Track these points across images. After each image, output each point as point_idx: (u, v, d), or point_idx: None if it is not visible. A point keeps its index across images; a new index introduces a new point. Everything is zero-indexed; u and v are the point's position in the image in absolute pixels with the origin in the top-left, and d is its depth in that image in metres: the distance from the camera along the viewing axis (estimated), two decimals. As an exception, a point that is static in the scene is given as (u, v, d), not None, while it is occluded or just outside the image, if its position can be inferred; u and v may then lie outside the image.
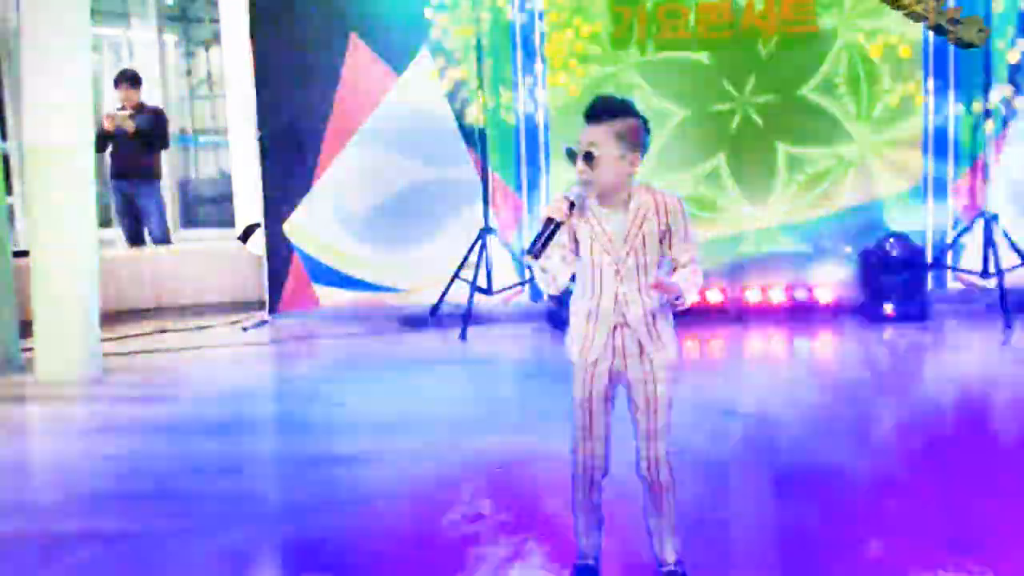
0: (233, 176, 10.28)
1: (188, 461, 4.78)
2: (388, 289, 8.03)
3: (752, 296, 7.42)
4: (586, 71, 7.69)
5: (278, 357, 7.13)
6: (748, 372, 6.34)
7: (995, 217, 7.17)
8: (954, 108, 7.50)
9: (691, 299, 2.97)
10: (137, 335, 7.61)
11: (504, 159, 7.85)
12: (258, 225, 8.34)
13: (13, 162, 9.43)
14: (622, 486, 3.23)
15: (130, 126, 8.77)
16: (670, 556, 3.13)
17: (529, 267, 7.66)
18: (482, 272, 7.49)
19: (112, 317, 7.59)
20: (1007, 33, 7.36)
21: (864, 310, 7.31)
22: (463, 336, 7.14)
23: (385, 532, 3.78)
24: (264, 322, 7.94)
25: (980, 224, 7.24)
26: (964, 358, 6.53)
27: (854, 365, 6.44)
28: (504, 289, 7.77)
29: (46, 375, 6.32)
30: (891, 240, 7.27)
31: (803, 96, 7.54)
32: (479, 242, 7.45)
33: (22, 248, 7.72)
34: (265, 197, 8.10)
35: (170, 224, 9.65)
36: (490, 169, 7.73)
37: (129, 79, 9.05)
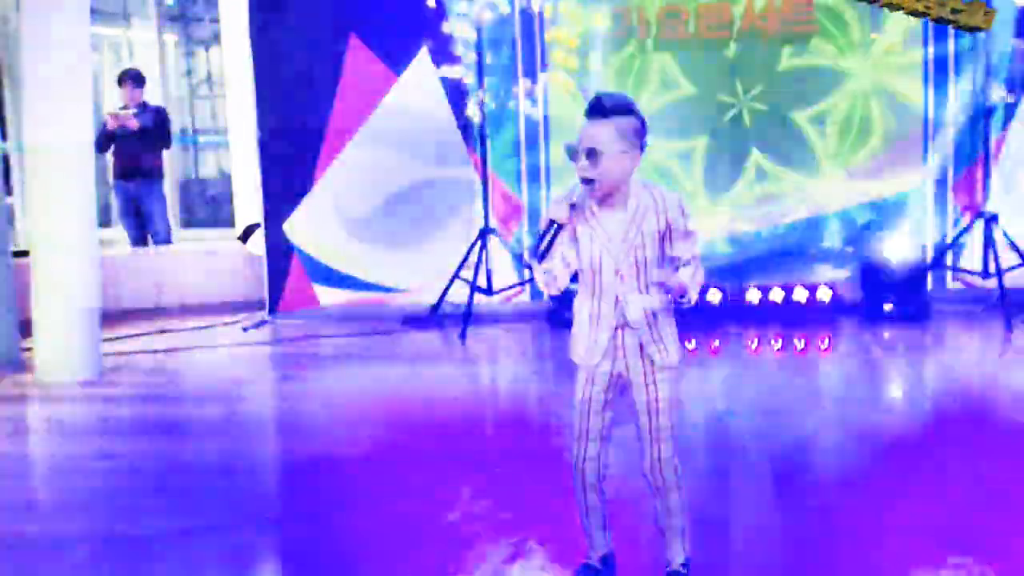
0: (233, 176, 10.28)
1: (188, 461, 4.78)
2: (388, 289, 8.03)
3: (752, 296, 7.42)
4: (587, 68, 7.71)
5: (278, 357, 7.13)
6: (748, 372, 6.34)
7: (995, 217, 7.18)
8: (954, 107, 7.51)
9: (695, 297, 2.98)
10: (137, 335, 7.61)
11: (504, 158, 7.86)
12: (258, 225, 8.34)
13: (13, 162, 9.44)
14: (630, 486, 3.23)
15: (134, 124, 8.77)
16: (677, 557, 3.13)
17: (529, 267, 7.68)
18: (482, 272, 7.49)
19: (112, 317, 7.58)
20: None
21: (864, 310, 7.30)
22: (463, 336, 7.14)
23: (385, 532, 3.78)
24: (264, 322, 7.93)
25: (980, 224, 7.25)
26: (964, 358, 6.54)
27: (854, 365, 6.44)
28: (504, 289, 7.77)
29: (46, 375, 6.31)
30: (891, 240, 7.26)
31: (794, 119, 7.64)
32: (479, 242, 7.45)
33: (22, 248, 7.72)
34: (265, 197, 8.10)
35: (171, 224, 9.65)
36: (490, 169, 7.73)
37: (133, 78, 9.05)
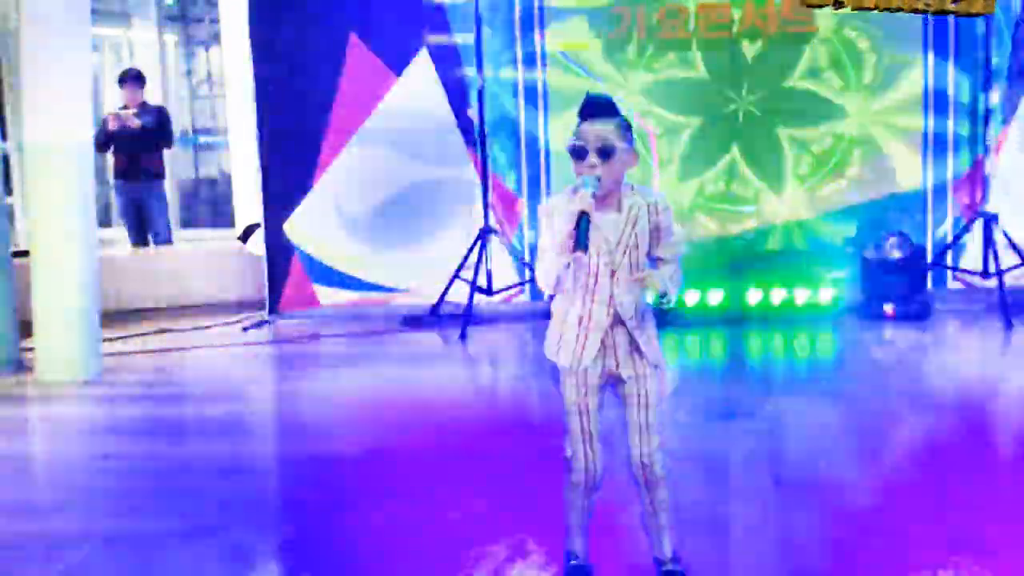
0: (233, 176, 10.29)
1: (188, 461, 4.78)
2: (388, 289, 8.03)
3: (752, 296, 7.41)
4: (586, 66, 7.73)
5: (278, 357, 7.13)
6: (748, 372, 6.34)
7: (995, 217, 7.18)
8: (954, 107, 7.51)
9: (674, 296, 3.01)
10: (137, 335, 7.61)
11: (503, 157, 7.86)
12: (258, 225, 8.34)
13: (13, 162, 9.45)
14: (621, 486, 3.23)
15: (136, 124, 8.77)
16: (667, 551, 3.13)
17: (529, 267, 7.70)
18: (482, 272, 7.49)
19: (112, 317, 7.58)
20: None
21: (864, 310, 7.30)
22: (463, 336, 7.14)
23: (385, 532, 3.78)
24: (264, 322, 7.93)
25: (980, 224, 7.25)
26: (964, 358, 6.54)
27: (854, 365, 6.44)
28: (504, 289, 7.78)
29: (46, 375, 6.31)
30: (891, 240, 7.26)
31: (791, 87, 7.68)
32: (479, 242, 7.45)
33: (22, 248, 7.73)
34: (265, 197, 8.10)
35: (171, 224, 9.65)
36: (490, 169, 7.73)
37: (134, 78, 9.05)
